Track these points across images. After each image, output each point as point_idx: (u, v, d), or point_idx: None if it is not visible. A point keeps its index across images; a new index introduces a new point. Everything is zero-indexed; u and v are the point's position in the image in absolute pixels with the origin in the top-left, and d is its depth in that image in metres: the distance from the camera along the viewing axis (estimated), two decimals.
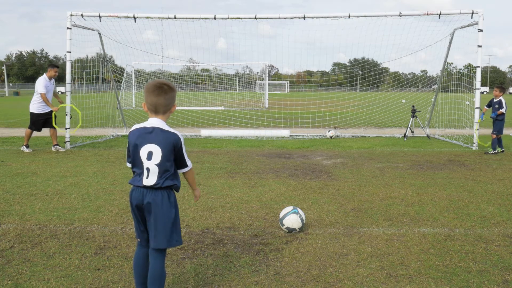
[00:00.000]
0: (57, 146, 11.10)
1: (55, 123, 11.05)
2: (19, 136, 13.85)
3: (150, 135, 3.16)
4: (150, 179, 3.15)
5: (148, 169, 3.15)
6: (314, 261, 4.26)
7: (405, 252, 4.49)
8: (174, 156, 3.20)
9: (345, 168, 8.96)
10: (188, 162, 3.33)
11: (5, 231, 5.04)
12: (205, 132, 15.00)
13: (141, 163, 3.16)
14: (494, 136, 11.03)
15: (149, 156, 3.14)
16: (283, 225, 5.02)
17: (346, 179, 7.93)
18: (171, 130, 3.21)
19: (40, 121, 11.01)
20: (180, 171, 3.34)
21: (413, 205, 6.19)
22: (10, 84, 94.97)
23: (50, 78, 11.12)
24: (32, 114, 11.04)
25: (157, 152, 3.13)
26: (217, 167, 9.05)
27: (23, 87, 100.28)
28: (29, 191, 6.88)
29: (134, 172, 3.25)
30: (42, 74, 11.22)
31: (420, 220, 5.54)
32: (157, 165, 3.14)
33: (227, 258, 4.31)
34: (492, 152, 10.91)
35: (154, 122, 3.20)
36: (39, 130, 11.25)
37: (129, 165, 3.29)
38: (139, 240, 3.37)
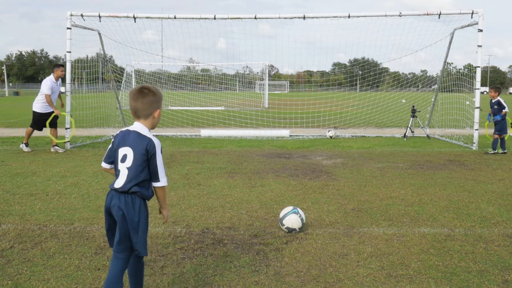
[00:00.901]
0: (56, 147, 11.05)
1: (48, 125, 10.92)
2: (19, 136, 13.84)
3: (128, 138, 3.13)
4: (119, 182, 3.10)
5: (119, 171, 3.11)
6: (314, 261, 4.26)
7: (405, 252, 4.49)
8: (147, 164, 3.09)
9: (345, 168, 8.96)
10: (162, 178, 3.15)
11: (5, 231, 5.04)
12: (205, 132, 14.99)
13: (117, 165, 3.13)
14: (496, 136, 11.01)
15: (123, 158, 3.10)
16: (283, 225, 5.02)
17: (346, 179, 7.93)
18: (148, 135, 3.13)
19: (43, 120, 10.97)
20: (153, 184, 3.17)
21: (413, 205, 6.19)
22: (10, 84, 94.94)
23: (57, 79, 11.07)
24: (34, 113, 11.02)
25: (130, 156, 3.07)
26: (217, 167, 9.06)
27: (23, 87, 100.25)
28: (29, 191, 6.88)
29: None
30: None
31: (420, 220, 5.54)
32: (127, 168, 3.08)
33: (227, 258, 4.32)
34: (492, 152, 10.90)
35: (135, 126, 3.18)
36: (41, 129, 11.23)
37: (104, 164, 3.23)
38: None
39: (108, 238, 3.28)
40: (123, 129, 3.23)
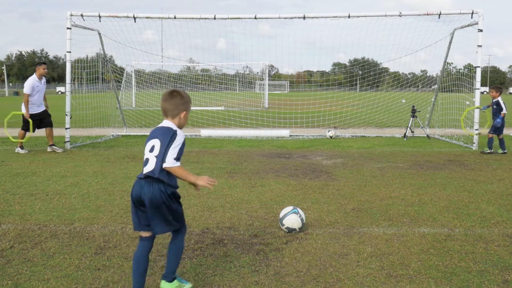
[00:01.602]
0: (54, 147, 10.93)
1: (28, 128, 10.76)
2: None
3: (156, 131, 3.48)
4: (148, 168, 3.39)
5: (147, 161, 3.42)
6: (314, 261, 4.26)
7: (405, 252, 4.49)
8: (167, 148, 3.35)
9: (345, 168, 8.96)
10: (168, 159, 3.33)
11: (5, 231, 5.04)
12: (205, 132, 14.99)
13: (144, 155, 3.46)
14: (491, 135, 11.00)
15: (152, 149, 3.41)
16: (283, 225, 5.02)
17: (346, 179, 7.93)
18: (174, 128, 3.46)
19: (35, 121, 10.79)
20: (165, 165, 3.35)
21: (413, 205, 6.19)
22: (10, 84, 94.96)
23: (40, 77, 10.84)
24: (24, 115, 10.77)
25: (157, 146, 3.39)
26: (217, 167, 9.05)
27: (23, 87, 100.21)
28: (29, 191, 6.88)
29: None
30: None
31: (420, 220, 5.54)
32: (156, 156, 3.38)
33: (227, 258, 4.31)
34: (488, 151, 10.89)
35: (164, 122, 3.52)
36: (33, 131, 11.06)
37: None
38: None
39: (134, 222, 3.52)
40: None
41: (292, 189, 7.12)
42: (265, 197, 6.63)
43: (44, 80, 11.09)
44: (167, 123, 3.50)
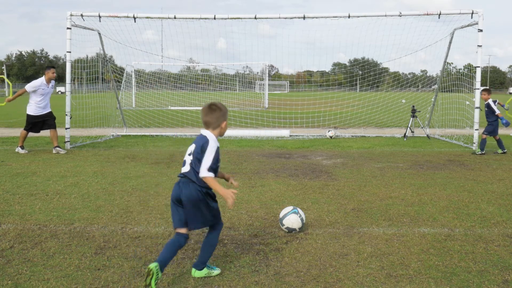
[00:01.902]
0: (58, 148, 10.88)
1: (31, 130, 10.85)
2: (19, 136, 13.83)
3: (196, 138, 3.84)
4: (184, 168, 3.77)
5: (185, 161, 3.80)
6: (314, 261, 4.26)
7: (405, 252, 4.49)
8: (201, 157, 3.68)
9: (345, 168, 8.96)
10: (202, 170, 3.63)
11: (5, 231, 5.04)
12: (205, 132, 14.97)
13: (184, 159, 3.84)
14: (484, 136, 10.94)
15: (190, 153, 3.80)
16: (283, 225, 5.02)
17: (346, 179, 7.93)
18: (208, 136, 3.77)
19: (38, 123, 10.80)
20: (200, 175, 3.66)
21: (413, 205, 6.19)
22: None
23: (48, 81, 10.86)
24: (28, 116, 10.79)
25: (193, 150, 3.77)
26: None
27: (23, 87, 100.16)
28: (29, 191, 6.88)
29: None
30: (42, 75, 10.94)
31: (420, 220, 5.54)
32: (191, 159, 3.76)
33: (227, 258, 4.32)
34: (480, 152, 10.84)
35: (203, 131, 3.85)
36: (38, 132, 11.11)
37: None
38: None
39: (173, 220, 3.82)
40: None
41: (292, 189, 7.12)
42: (265, 197, 6.63)
43: (52, 83, 11.11)
44: (205, 132, 3.83)
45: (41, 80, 10.84)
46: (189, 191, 3.69)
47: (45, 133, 11.87)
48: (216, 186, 3.65)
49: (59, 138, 11.18)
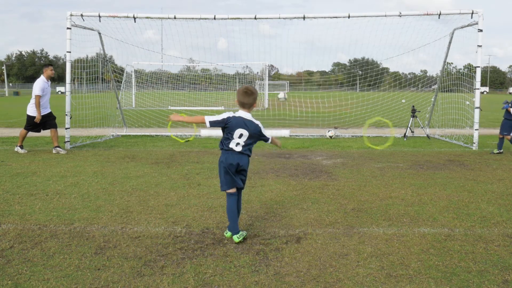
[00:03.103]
0: (58, 148, 10.85)
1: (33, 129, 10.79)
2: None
3: (243, 122, 4.78)
4: (238, 148, 4.81)
5: (237, 143, 4.80)
6: (314, 261, 4.26)
7: (405, 252, 4.49)
8: (255, 137, 4.89)
9: (345, 168, 8.96)
10: (268, 136, 5.03)
11: (5, 231, 5.04)
12: (205, 132, 15.00)
13: (233, 139, 4.80)
14: (510, 137, 10.79)
15: (240, 136, 4.78)
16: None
17: (346, 179, 7.93)
18: (254, 120, 4.87)
19: (39, 123, 10.75)
20: (266, 143, 5.13)
21: (413, 205, 6.19)
22: (10, 84, 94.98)
23: (48, 79, 10.85)
24: (29, 117, 10.76)
25: (245, 134, 4.79)
26: (217, 167, 9.04)
27: (23, 87, 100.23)
28: (29, 191, 6.88)
29: (226, 140, 4.84)
30: (41, 74, 10.96)
31: (420, 220, 5.54)
32: (244, 141, 4.81)
33: (227, 258, 4.32)
34: (498, 151, 10.79)
35: (243, 113, 4.83)
36: (39, 131, 11.10)
37: (208, 124, 4.78)
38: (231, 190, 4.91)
39: (227, 182, 4.87)
40: (234, 114, 4.82)
41: (292, 189, 7.12)
42: (265, 197, 6.63)
43: (49, 82, 11.05)
44: (246, 114, 4.84)
45: (42, 79, 10.78)
46: (243, 161, 4.85)
47: (45, 133, 11.88)
48: (276, 140, 5.27)
49: (59, 138, 11.17)
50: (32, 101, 10.72)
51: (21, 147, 10.84)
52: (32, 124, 10.78)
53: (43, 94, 10.67)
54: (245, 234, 4.85)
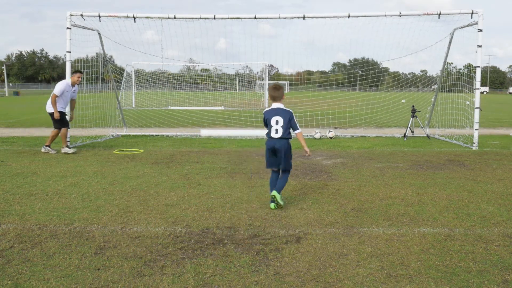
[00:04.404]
0: (48, 147, 10.81)
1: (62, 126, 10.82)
2: (19, 136, 13.85)
3: (277, 111, 5.95)
4: (278, 134, 5.92)
5: (276, 130, 5.92)
6: (314, 261, 4.26)
7: (405, 252, 4.49)
8: (289, 123, 5.93)
9: (345, 168, 8.96)
10: (299, 128, 6.06)
11: (5, 231, 5.04)
12: (205, 132, 14.99)
13: (272, 126, 5.94)
14: None
15: (277, 123, 5.91)
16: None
17: (346, 179, 7.93)
18: (286, 109, 5.98)
19: (62, 117, 10.85)
20: (293, 132, 6.05)
21: (413, 205, 6.20)
22: (10, 84, 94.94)
23: (73, 84, 11.03)
24: (50, 114, 10.87)
25: (281, 121, 5.90)
26: (217, 167, 9.06)
27: (23, 87, 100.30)
28: (29, 191, 6.88)
29: (269, 130, 5.99)
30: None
31: (420, 220, 5.54)
32: (281, 127, 5.90)
33: (227, 258, 4.32)
34: None
35: (277, 105, 6.01)
36: (67, 125, 11.02)
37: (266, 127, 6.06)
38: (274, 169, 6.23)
39: (271, 163, 6.13)
40: (268, 109, 6.04)
41: (292, 189, 7.12)
42: (265, 197, 6.63)
43: (76, 87, 11.21)
44: (280, 105, 6.01)
45: (67, 82, 11.00)
46: (284, 144, 5.95)
47: (45, 132, 11.87)
48: (303, 140, 6.21)
49: (58, 137, 11.14)
50: (49, 102, 10.87)
51: (49, 146, 10.85)
52: (57, 122, 10.83)
53: (60, 95, 10.76)
54: (283, 203, 5.97)
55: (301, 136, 6.12)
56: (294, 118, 5.95)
